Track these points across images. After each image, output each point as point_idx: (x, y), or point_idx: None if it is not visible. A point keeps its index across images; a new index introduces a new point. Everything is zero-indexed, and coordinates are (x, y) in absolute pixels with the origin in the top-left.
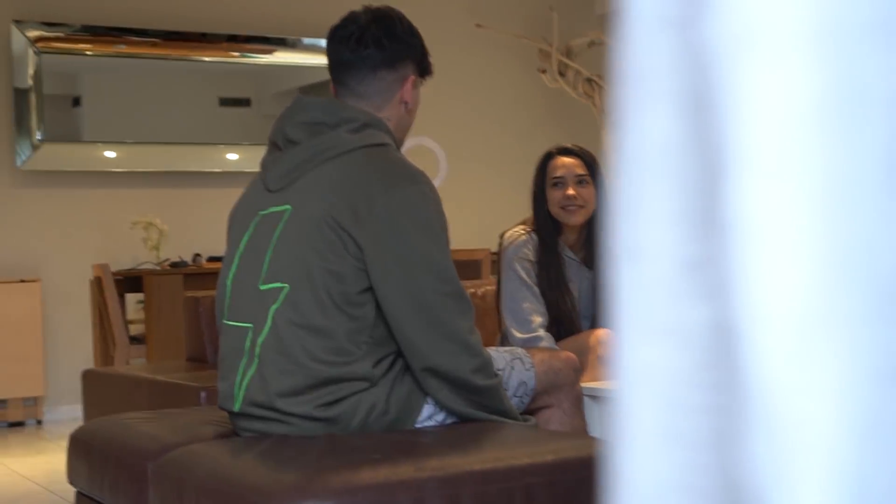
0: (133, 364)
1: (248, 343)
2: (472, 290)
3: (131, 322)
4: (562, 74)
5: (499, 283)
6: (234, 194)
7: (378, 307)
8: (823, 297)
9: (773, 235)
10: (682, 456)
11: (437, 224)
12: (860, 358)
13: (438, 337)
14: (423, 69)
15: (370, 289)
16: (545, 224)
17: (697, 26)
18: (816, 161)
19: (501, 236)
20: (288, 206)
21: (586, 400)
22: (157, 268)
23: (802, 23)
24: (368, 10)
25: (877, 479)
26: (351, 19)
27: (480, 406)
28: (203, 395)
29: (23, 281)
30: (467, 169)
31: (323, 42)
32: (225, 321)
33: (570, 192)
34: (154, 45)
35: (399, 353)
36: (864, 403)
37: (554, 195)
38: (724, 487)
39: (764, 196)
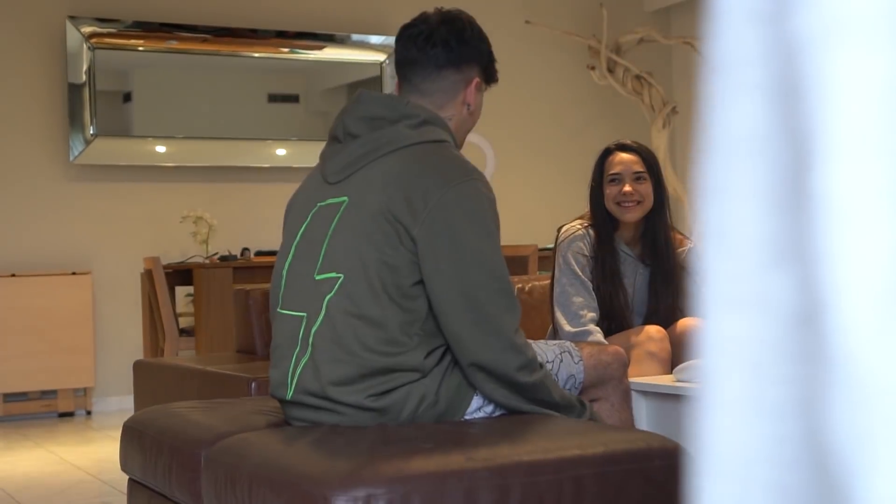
0: (182, 356)
1: (301, 332)
2: (519, 286)
3: (180, 315)
4: (611, 71)
5: (553, 276)
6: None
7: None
8: None
9: (859, 211)
10: (767, 426)
11: (490, 221)
12: None
13: (485, 333)
14: (489, 75)
15: (423, 281)
16: (602, 219)
17: (789, 18)
18: None
19: (559, 230)
20: (345, 198)
21: (634, 395)
22: (207, 261)
23: (890, 10)
24: (439, 12)
25: None
26: (422, 19)
27: (528, 400)
28: (254, 385)
29: (74, 273)
30: (516, 164)
31: (372, 38)
32: (279, 310)
33: (627, 188)
34: (204, 40)
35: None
36: None
37: (611, 191)
38: (809, 457)
39: (849, 175)
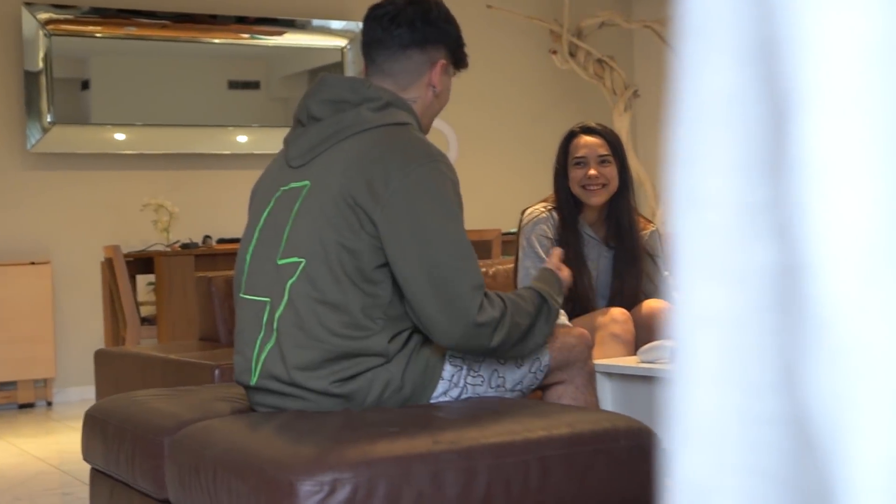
0: (144, 344)
1: (265, 317)
2: (484, 270)
3: (142, 304)
4: (572, 55)
5: (516, 258)
6: (244, 176)
7: (395, 284)
8: (887, 234)
9: (838, 175)
10: (743, 400)
11: (453, 202)
12: None
13: (453, 316)
14: (457, 59)
15: (386, 265)
16: (566, 202)
17: None
18: (880, 104)
19: (522, 213)
20: (307, 182)
21: (598, 376)
22: (168, 249)
23: None
24: None
25: None
26: (389, 0)
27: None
28: (217, 372)
29: (33, 263)
30: (478, 149)
31: (332, 24)
32: (242, 295)
33: (592, 172)
34: (163, 27)
35: (414, 329)
36: None
37: (576, 174)
38: (787, 430)
39: (830, 138)
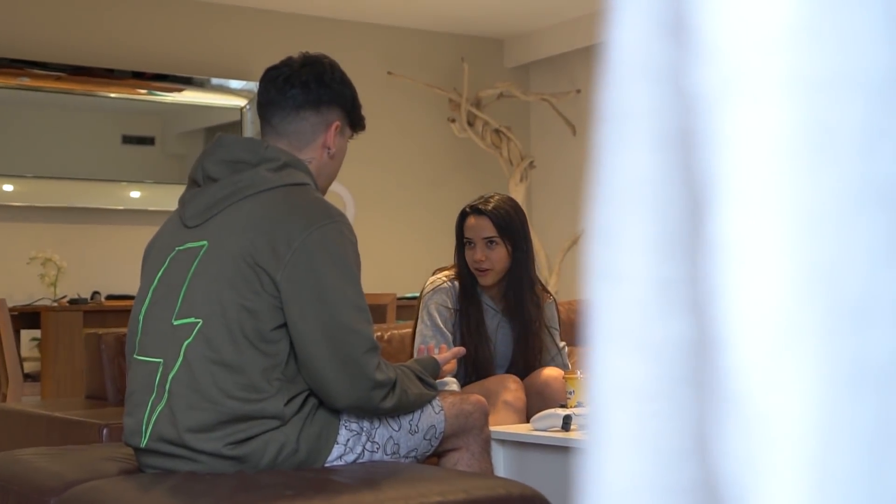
0: (26, 402)
1: (158, 378)
2: (379, 334)
3: (24, 360)
4: (470, 124)
5: (415, 325)
6: (136, 232)
7: (291, 345)
8: (794, 311)
9: (750, 255)
10: (656, 467)
11: (352, 263)
12: (825, 364)
13: (351, 376)
14: (354, 121)
15: (283, 326)
16: (465, 274)
17: (686, 72)
18: (789, 191)
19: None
20: (205, 242)
21: (493, 443)
22: (55, 304)
23: (781, 69)
24: (303, 56)
25: (837, 468)
26: (286, 62)
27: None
28: (105, 431)
29: None
30: (376, 212)
31: (232, 83)
32: (136, 356)
33: (478, 256)
34: (58, 78)
35: (310, 393)
36: (827, 403)
37: (467, 254)
38: (699, 492)
39: (743, 221)
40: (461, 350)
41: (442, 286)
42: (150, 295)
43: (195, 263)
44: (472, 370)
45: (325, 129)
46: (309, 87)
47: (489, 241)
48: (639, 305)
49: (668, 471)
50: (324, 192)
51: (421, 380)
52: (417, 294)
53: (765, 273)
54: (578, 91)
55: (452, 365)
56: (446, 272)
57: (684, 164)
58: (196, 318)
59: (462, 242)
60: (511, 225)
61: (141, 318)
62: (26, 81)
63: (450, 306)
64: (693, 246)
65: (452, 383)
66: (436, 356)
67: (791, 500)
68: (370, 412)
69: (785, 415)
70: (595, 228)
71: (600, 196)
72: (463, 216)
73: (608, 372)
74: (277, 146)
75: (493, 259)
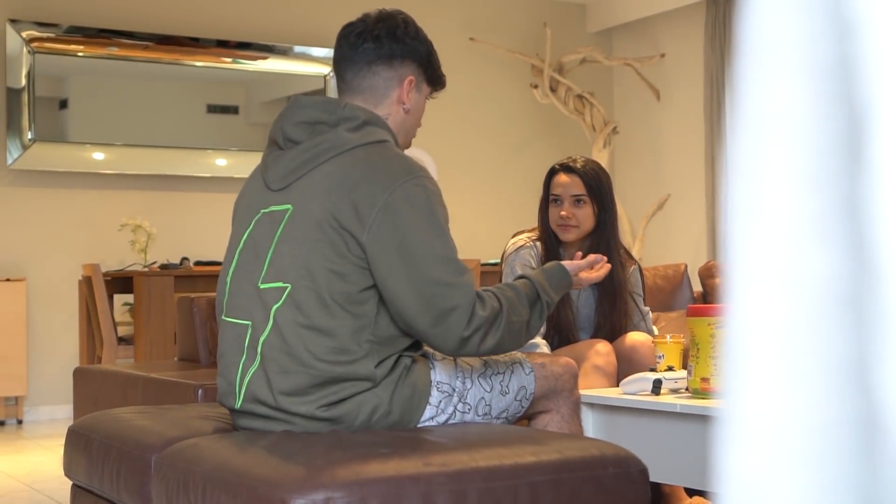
0: (120, 364)
1: (247, 340)
2: None
3: (118, 324)
4: (553, 90)
5: None
6: (222, 199)
7: (379, 305)
8: None
9: None
10: (809, 399)
11: (439, 215)
12: None
13: (444, 328)
14: (431, 77)
15: (373, 287)
16: (548, 234)
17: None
18: None
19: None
20: (289, 206)
21: (583, 407)
22: (146, 270)
23: None
24: (378, 12)
25: None
26: (361, 19)
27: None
28: (200, 392)
29: (8, 280)
30: (457, 179)
31: (314, 50)
32: (224, 317)
33: (564, 212)
34: (145, 48)
35: (402, 354)
36: None
37: (552, 211)
38: (856, 426)
39: None
40: (598, 257)
41: (525, 246)
42: (236, 257)
43: (281, 227)
44: (555, 332)
45: (398, 85)
46: (381, 42)
47: (577, 200)
48: (789, 238)
49: (824, 407)
50: (404, 147)
51: (538, 297)
52: (499, 260)
53: None
54: (662, 55)
55: (596, 274)
56: (528, 233)
57: (841, 92)
58: (284, 282)
59: (547, 200)
60: (600, 186)
61: (228, 279)
62: (115, 51)
63: (534, 266)
64: (852, 174)
65: (543, 345)
66: (562, 263)
67: None
68: (473, 355)
69: None
70: (738, 162)
71: (744, 128)
72: (552, 173)
73: (753, 310)
74: (354, 104)
75: (580, 217)
